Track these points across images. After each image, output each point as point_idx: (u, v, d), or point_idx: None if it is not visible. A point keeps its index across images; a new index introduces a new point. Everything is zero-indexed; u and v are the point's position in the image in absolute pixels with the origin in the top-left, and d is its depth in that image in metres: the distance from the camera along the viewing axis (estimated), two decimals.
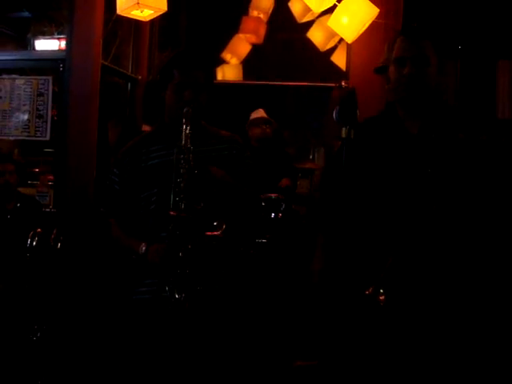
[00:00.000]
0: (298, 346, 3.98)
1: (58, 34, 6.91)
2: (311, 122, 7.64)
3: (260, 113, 5.44)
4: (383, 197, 2.20)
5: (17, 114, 4.88)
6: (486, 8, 5.04)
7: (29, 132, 4.85)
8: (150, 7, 4.55)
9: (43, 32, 7.16)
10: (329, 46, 5.46)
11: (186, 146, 2.30)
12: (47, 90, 4.83)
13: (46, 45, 7.05)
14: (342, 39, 5.10)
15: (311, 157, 7.32)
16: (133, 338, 2.49)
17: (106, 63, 5.10)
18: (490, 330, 2.55)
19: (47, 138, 4.82)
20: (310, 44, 5.42)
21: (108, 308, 3.87)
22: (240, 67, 6.46)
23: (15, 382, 3.47)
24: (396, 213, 2.20)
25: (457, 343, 2.25)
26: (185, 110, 2.33)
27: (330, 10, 4.70)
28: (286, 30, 6.24)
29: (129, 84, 5.57)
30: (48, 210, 4.75)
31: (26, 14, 7.22)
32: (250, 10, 6.13)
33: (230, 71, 6.44)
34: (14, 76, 4.92)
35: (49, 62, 5.00)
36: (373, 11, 4.50)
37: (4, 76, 4.94)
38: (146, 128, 5.33)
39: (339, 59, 5.49)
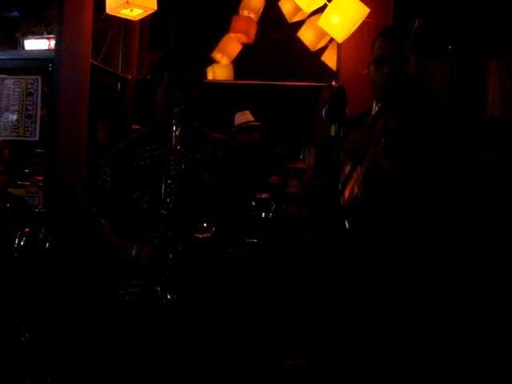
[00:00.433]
0: (288, 345, 3.97)
1: (48, 33, 6.91)
2: (302, 121, 7.65)
3: (246, 116, 5.42)
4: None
5: (6, 114, 4.85)
6: (476, 8, 5.06)
7: (18, 132, 4.82)
8: (139, 6, 4.54)
9: (32, 31, 7.15)
10: (319, 46, 5.46)
11: (175, 147, 2.30)
12: (36, 89, 4.80)
13: (36, 44, 7.03)
14: (332, 39, 5.10)
15: (302, 156, 7.32)
16: (124, 338, 2.48)
17: (96, 63, 5.08)
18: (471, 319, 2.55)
19: (36, 138, 4.79)
20: (300, 44, 5.42)
21: (98, 308, 3.85)
22: (231, 67, 6.45)
23: (4, 383, 3.45)
24: (375, 208, 2.20)
25: (446, 343, 2.25)
26: (175, 110, 2.33)
27: (321, 10, 4.71)
28: (277, 30, 6.25)
29: (119, 83, 5.55)
30: (37, 210, 4.73)
31: (16, 13, 7.20)
32: (241, 10, 6.13)
33: (220, 71, 6.42)
34: (2, 76, 4.89)
35: (38, 61, 4.97)
36: (363, 11, 4.51)
37: None
38: (136, 128, 5.33)
39: (330, 59, 5.49)
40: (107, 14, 4.69)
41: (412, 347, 2.20)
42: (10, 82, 4.84)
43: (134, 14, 4.62)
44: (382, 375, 2.21)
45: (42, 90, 4.83)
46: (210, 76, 6.42)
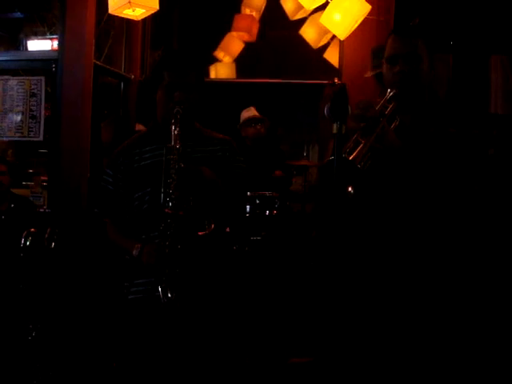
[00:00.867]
0: (293, 342, 3.98)
1: (51, 34, 6.91)
2: (305, 119, 7.65)
3: (252, 111, 5.44)
4: (379, 189, 2.21)
5: (10, 114, 4.87)
6: (478, 3, 5.04)
7: (22, 133, 4.84)
8: (141, 6, 4.54)
9: (35, 32, 7.15)
10: (321, 43, 5.47)
11: (175, 146, 2.31)
12: (40, 90, 4.82)
13: (39, 45, 7.04)
14: (334, 36, 5.10)
15: (305, 154, 7.32)
16: (127, 337, 2.49)
17: (99, 63, 5.09)
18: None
19: (40, 138, 4.81)
20: (302, 41, 5.42)
21: (103, 307, 3.87)
22: (233, 65, 6.47)
23: (11, 382, 3.47)
24: (389, 205, 2.21)
25: (450, 340, 2.26)
26: (175, 110, 2.34)
27: (323, 7, 4.71)
28: (279, 28, 6.25)
29: (122, 83, 5.55)
30: (42, 210, 4.74)
31: (18, 14, 7.21)
32: (243, 8, 6.14)
33: (223, 69, 6.44)
34: (6, 77, 4.91)
35: (41, 62, 4.98)
36: (365, 8, 4.51)
37: None
38: (139, 127, 5.34)
39: (332, 56, 5.49)
40: (110, 14, 4.70)
41: (416, 344, 2.20)
42: (13, 82, 4.86)
43: (137, 13, 4.63)
44: (386, 372, 2.22)
45: (46, 90, 4.84)
46: (212, 75, 6.43)
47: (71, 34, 4.68)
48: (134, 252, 2.38)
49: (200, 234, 2.31)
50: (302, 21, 5.38)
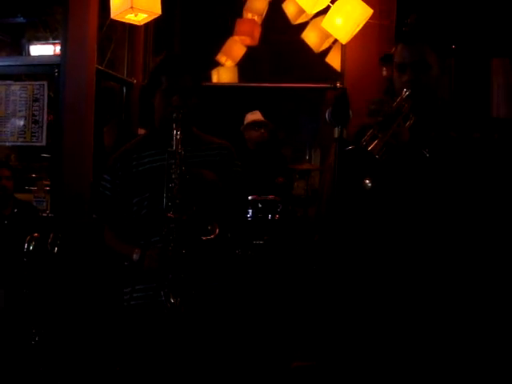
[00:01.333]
0: (295, 346, 3.98)
1: (53, 39, 6.93)
2: (307, 123, 7.65)
3: (256, 115, 5.44)
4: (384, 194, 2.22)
5: (12, 119, 4.89)
6: (479, 6, 5.04)
7: (25, 138, 4.86)
8: (143, 11, 4.55)
9: (38, 37, 7.17)
10: (323, 47, 5.47)
11: (176, 151, 2.30)
12: (43, 95, 4.84)
13: (41, 50, 7.07)
14: (336, 40, 5.11)
15: (307, 157, 7.34)
16: (130, 342, 2.49)
17: (101, 67, 5.10)
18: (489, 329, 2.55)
19: (43, 143, 4.83)
20: (304, 45, 5.43)
21: (105, 312, 3.87)
22: (235, 69, 6.48)
23: None
24: (396, 209, 2.22)
25: (456, 346, 2.25)
26: (174, 115, 2.33)
27: (324, 12, 4.72)
28: (281, 32, 6.25)
29: (124, 88, 5.57)
30: (45, 215, 4.75)
31: (21, 19, 7.22)
32: (245, 13, 6.15)
33: (225, 74, 6.45)
34: (9, 82, 4.93)
35: (44, 67, 5.00)
36: (366, 12, 4.52)
37: None
38: (142, 132, 5.34)
39: (334, 60, 5.50)
40: (112, 19, 4.72)
41: (419, 350, 2.20)
42: (16, 87, 4.88)
43: (139, 18, 4.64)
44: (388, 376, 2.22)
45: (49, 95, 4.86)
46: (214, 79, 6.44)
47: (74, 38, 4.70)
48: (135, 257, 2.36)
49: (205, 238, 2.30)
50: (304, 25, 5.39)
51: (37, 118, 4.82)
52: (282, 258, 4.48)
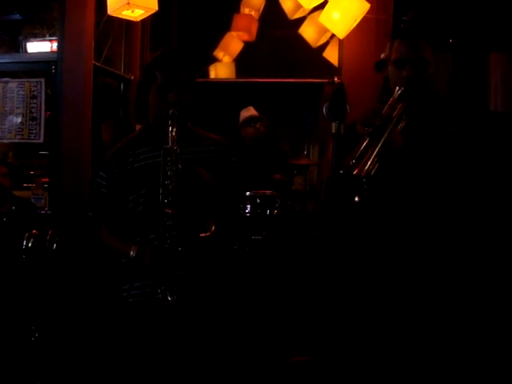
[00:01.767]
0: (295, 341, 3.99)
1: (50, 35, 6.91)
2: (305, 118, 7.65)
3: (250, 111, 5.45)
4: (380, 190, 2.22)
5: (10, 117, 4.88)
6: (477, 1, 5.04)
7: (22, 135, 4.85)
8: (140, 7, 4.55)
9: (35, 34, 7.16)
10: (321, 42, 5.48)
11: (172, 148, 2.28)
12: (40, 92, 4.82)
13: (38, 47, 7.05)
14: (333, 35, 5.11)
15: (305, 153, 7.34)
16: (128, 339, 2.48)
17: (98, 64, 5.09)
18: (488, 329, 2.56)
19: (41, 140, 4.81)
20: (302, 40, 5.43)
21: (103, 309, 3.87)
22: (233, 65, 6.47)
23: (15, 383, 3.48)
24: (391, 206, 2.22)
25: (455, 346, 2.26)
26: (170, 111, 2.31)
27: (321, 6, 4.72)
28: (278, 27, 6.25)
29: (121, 84, 5.56)
30: (43, 212, 4.75)
31: (17, 16, 7.20)
32: (242, 8, 6.14)
33: (222, 69, 6.44)
34: (6, 79, 4.92)
35: (41, 64, 4.98)
36: (363, 6, 4.52)
37: None
38: (139, 128, 5.34)
39: (331, 55, 5.50)
40: (109, 15, 4.71)
41: (418, 343, 2.21)
42: (13, 84, 4.86)
43: (135, 14, 4.64)
44: (388, 370, 2.22)
45: (46, 92, 4.85)
46: (212, 75, 6.44)
47: (70, 35, 4.69)
48: (131, 253, 2.35)
49: (202, 235, 2.30)
50: (301, 20, 5.39)
51: (34, 115, 4.81)
52: (281, 253, 4.49)
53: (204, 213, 2.34)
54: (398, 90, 2.22)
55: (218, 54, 6.37)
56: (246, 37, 6.19)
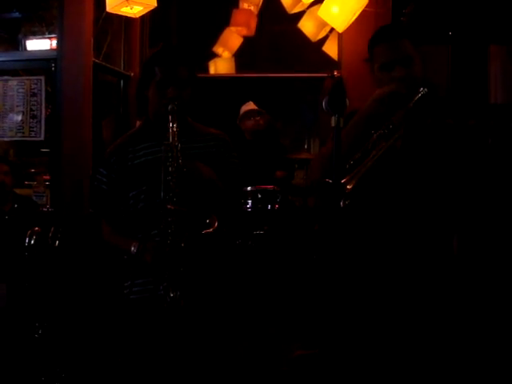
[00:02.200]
0: (297, 335, 4.00)
1: (49, 33, 6.91)
2: (305, 112, 7.65)
3: (250, 105, 5.45)
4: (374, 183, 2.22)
5: (10, 115, 4.88)
6: None
7: (23, 133, 4.85)
8: (139, 3, 4.55)
9: (34, 32, 7.15)
10: (320, 36, 5.47)
11: (173, 144, 2.28)
12: (40, 90, 4.83)
13: (38, 45, 7.05)
14: (332, 29, 5.10)
15: (306, 147, 7.34)
16: (131, 336, 2.48)
17: (98, 61, 5.09)
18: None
19: (42, 138, 4.82)
20: (301, 35, 5.42)
21: (106, 306, 3.88)
22: (232, 60, 6.47)
23: (19, 379, 3.50)
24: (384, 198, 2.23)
25: (451, 338, 2.27)
26: (169, 107, 2.31)
27: (320, 0, 4.71)
28: (277, 22, 6.24)
29: (121, 81, 5.56)
30: (45, 209, 4.76)
31: (17, 14, 7.20)
32: (241, 3, 6.14)
33: (222, 65, 6.44)
34: (6, 77, 4.92)
35: (41, 61, 4.98)
36: (362, 0, 4.51)
37: None
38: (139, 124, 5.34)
39: (331, 49, 5.49)
40: (107, 12, 4.71)
41: (418, 338, 2.21)
42: (13, 83, 4.87)
43: (134, 11, 4.64)
44: (389, 364, 2.23)
45: (46, 89, 4.85)
46: (211, 70, 6.44)
47: (70, 32, 4.69)
48: (133, 250, 2.35)
49: (205, 232, 2.29)
50: (300, 14, 5.38)
51: (35, 112, 4.81)
52: (283, 247, 4.50)
53: (206, 208, 2.33)
54: (422, 90, 2.21)
55: (218, 49, 6.37)
56: (245, 32, 6.18)
